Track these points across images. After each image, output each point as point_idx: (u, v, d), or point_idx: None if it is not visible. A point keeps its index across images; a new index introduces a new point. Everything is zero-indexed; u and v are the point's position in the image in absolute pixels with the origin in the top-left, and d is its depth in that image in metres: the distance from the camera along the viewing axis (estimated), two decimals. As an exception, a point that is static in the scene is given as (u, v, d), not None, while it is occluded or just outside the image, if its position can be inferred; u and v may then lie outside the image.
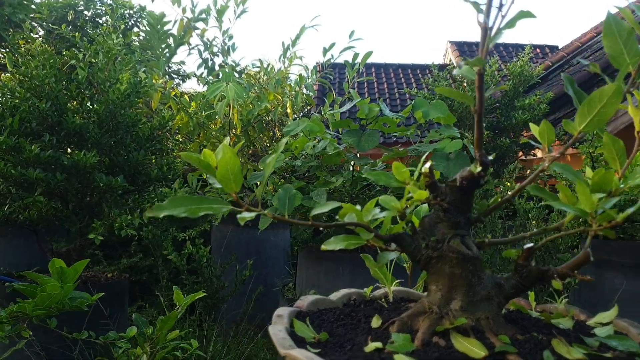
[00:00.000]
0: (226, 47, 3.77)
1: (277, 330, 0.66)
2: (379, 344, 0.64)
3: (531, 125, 0.78)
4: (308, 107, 4.33)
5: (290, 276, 3.80)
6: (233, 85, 3.11)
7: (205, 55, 3.77)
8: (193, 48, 3.85)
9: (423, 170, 0.72)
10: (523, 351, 0.62)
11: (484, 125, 4.07)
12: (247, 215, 0.73)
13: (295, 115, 3.75)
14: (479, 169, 0.68)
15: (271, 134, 4.42)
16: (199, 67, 3.76)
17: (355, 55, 3.34)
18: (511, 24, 0.67)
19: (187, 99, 3.68)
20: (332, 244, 0.84)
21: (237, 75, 3.59)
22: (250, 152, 4.39)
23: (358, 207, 0.72)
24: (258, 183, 4.02)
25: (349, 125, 2.66)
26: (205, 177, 4.07)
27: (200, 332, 2.78)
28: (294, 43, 3.70)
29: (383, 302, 0.90)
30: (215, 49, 3.74)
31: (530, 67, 4.01)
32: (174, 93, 3.69)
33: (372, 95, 8.06)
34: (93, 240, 2.79)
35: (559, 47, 7.73)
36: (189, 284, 2.70)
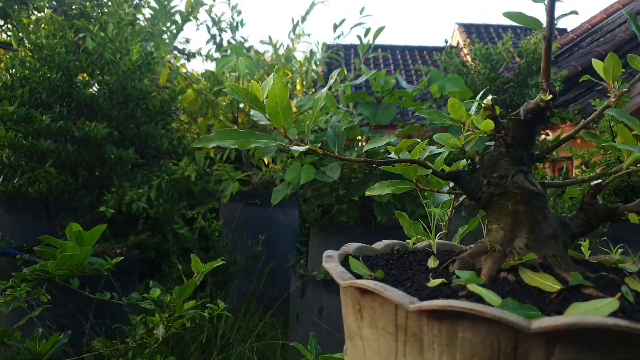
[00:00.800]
0: (234, 23, 3.71)
1: (334, 265, 0.63)
2: (443, 280, 0.61)
3: (594, 60, 0.73)
4: (315, 85, 4.28)
5: (300, 254, 3.77)
6: (244, 59, 3.05)
7: (214, 31, 3.71)
8: (201, 24, 3.79)
9: (485, 102, 0.68)
10: (599, 287, 0.59)
11: (499, 103, 4.02)
12: (298, 148, 0.68)
13: (305, 92, 3.70)
14: (549, 97, 0.64)
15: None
16: (207, 42, 3.71)
17: (367, 30, 3.28)
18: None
19: (196, 74, 3.63)
20: (378, 189, 0.80)
21: (245, 51, 3.53)
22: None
23: (418, 140, 0.68)
24: (265, 160, 3.98)
25: (363, 98, 2.62)
26: (212, 156, 4.03)
27: (211, 308, 2.76)
28: (303, 19, 3.64)
29: (432, 252, 0.86)
30: (223, 25, 3.68)
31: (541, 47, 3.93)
32: (182, 69, 3.64)
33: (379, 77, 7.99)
34: (103, 216, 2.76)
35: (568, 30, 7.66)
36: (200, 259, 2.67)
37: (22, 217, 3.45)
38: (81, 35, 2.90)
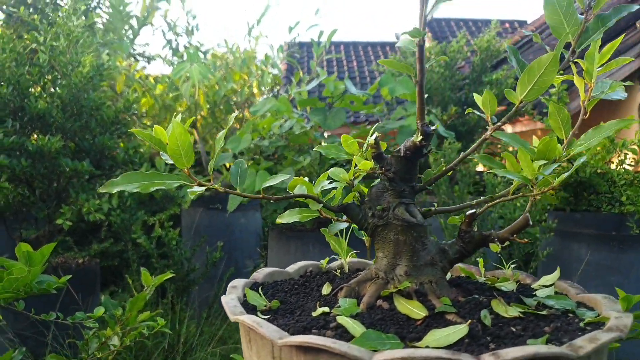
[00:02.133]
0: (190, 28, 3.72)
1: (229, 299, 0.68)
2: (326, 309, 0.67)
3: (475, 95, 0.80)
4: (276, 87, 4.32)
5: (262, 258, 3.82)
6: (197, 65, 3.07)
7: (169, 35, 3.71)
8: (157, 29, 3.78)
9: (369, 141, 0.74)
10: (462, 311, 0.65)
11: (454, 101, 4.12)
12: (198, 189, 0.74)
13: (265, 96, 3.74)
14: (420, 138, 0.70)
15: (241, 115, 4.39)
16: (163, 47, 3.70)
17: (321, 33, 3.33)
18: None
19: (153, 81, 3.63)
20: (287, 217, 0.86)
21: (202, 55, 3.54)
22: (214, 133, 4.36)
23: (306, 179, 0.74)
24: (227, 165, 4.00)
25: (315, 104, 2.67)
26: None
27: (173, 314, 2.79)
28: (258, 21, 3.67)
29: (337, 272, 0.92)
30: (179, 30, 3.68)
31: (497, 42, 4.06)
32: (138, 75, 3.63)
33: (342, 74, 8.06)
34: (62, 226, 2.77)
35: (528, 22, 7.82)
36: (159, 268, 2.70)
37: (-21, 230, 3.42)
38: (33, 46, 2.88)
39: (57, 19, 2.65)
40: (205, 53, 3.60)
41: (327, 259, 0.97)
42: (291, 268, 0.93)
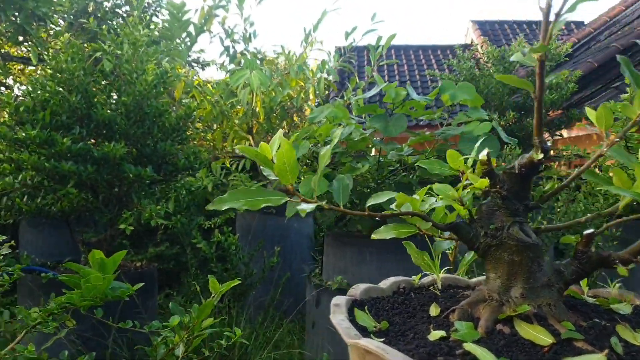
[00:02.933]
0: (247, 34, 3.76)
1: (340, 320, 0.67)
2: (442, 333, 0.64)
3: (587, 109, 0.76)
4: (328, 93, 4.31)
5: (315, 262, 3.82)
6: (257, 72, 3.10)
7: (227, 42, 3.77)
8: (214, 36, 3.85)
9: (481, 157, 0.72)
10: (589, 337, 0.62)
11: (512, 105, 4.01)
12: (306, 207, 0.73)
13: (318, 101, 3.74)
14: (541, 156, 0.67)
15: (290, 120, 4.42)
16: (220, 54, 3.76)
17: (379, 39, 3.31)
18: (572, 7, 0.65)
19: (210, 87, 3.69)
20: (383, 233, 0.84)
21: (258, 62, 3.58)
22: (269, 139, 4.39)
23: (416, 196, 0.72)
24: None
25: (374, 111, 2.64)
26: (228, 166, 4.09)
27: (230, 318, 2.82)
28: (315, 27, 3.68)
29: (433, 289, 0.90)
30: (236, 36, 3.73)
31: (557, 45, 3.94)
32: (197, 82, 3.70)
33: (392, 78, 7.99)
34: (122, 230, 2.84)
35: (585, 23, 7.56)
36: (217, 272, 2.73)
37: (45, 233, 3.55)
38: (98, 54, 2.98)
39: (124, 28, 2.72)
40: (261, 60, 3.64)
41: (420, 275, 0.95)
42: (384, 284, 0.91)
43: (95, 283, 1.44)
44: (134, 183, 2.74)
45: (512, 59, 0.72)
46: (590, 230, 0.70)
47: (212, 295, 1.84)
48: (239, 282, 1.82)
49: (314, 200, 0.76)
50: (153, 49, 2.59)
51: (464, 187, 0.73)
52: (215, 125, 4.26)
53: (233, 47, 3.75)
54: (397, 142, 2.86)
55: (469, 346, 0.58)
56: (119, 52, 2.80)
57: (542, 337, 0.61)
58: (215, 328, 1.81)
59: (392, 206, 0.77)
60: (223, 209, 0.75)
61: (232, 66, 3.85)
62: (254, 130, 3.91)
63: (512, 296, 0.69)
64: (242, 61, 3.80)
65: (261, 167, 0.82)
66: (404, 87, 2.65)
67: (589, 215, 0.80)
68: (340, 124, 2.94)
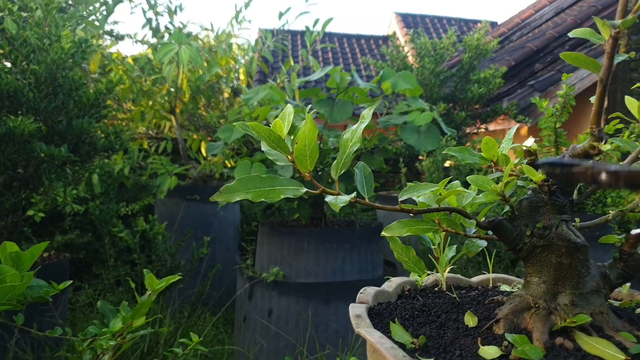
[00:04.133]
0: (172, 7, 3.48)
1: (379, 338, 0.56)
2: (496, 349, 0.55)
3: (627, 98, 0.70)
4: (248, 77, 4.13)
5: (244, 254, 3.66)
6: (186, 47, 2.87)
7: (150, 14, 3.46)
8: (136, 6, 3.52)
9: (529, 146, 0.63)
10: (656, 352, 0.56)
11: (442, 97, 4.06)
12: (342, 199, 0.60)
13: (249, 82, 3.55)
14: (603, 146, 0.60)
15: (217, 101, 4.19)
16: (142, 27, 3.44)
17: (316, 21, 3.19)
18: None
19: (131, 61, 3.38)
20: (397, 230, 0.73)
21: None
22: (194, 120, 4.14)
23: (461, 188, 0.62)
24: (203, 152, 3.80)
25: (317, 95, 2.53)
26: (147, 148, 3.80)
27: (153, 313, 2.60)
28: (247, 5, 3.48)
29: (438, 290, 0.81)
30: (160, 9, 3.44)
31: (486, 41, 4.06)
32: (115, 55, 3.37)
33: (328, 65, 7.90)
34: (27, 217, 2.52)
35: (498, 23, 7.94)
36: (141, 263, 2.50)
37: None
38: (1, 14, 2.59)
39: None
40: (187, 36, 3.37)
41: (425, 275, 0.86)
42: (388, 287, 0.81)
43: (13, 283, 1.21)
44: (42, 163, 2.42)
45: (572, 35, 0.63)
46: (639, 230, 0.64)
47: (148, 292, 1.65)
48: (179, 277, 1.64)
49: (336, 192, 0.63)
50: (70, 13, 2.29)
51: (507, 181, 0.64)
52: (129, 103, 3.93)
53: (156, 20, 3.45)
54: (339, 130, 2.77)
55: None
56: (24, 14, 2.45)
57: (611, 352, 0.54)
58: (146, 329, 1.63)
59: (421, 199, 0.67)
60: (233, 200, 0.61)
61: (154, 40, 3.55)
62: (177, 110, 3.65)
63: (560, 303, 0.61)
64: (166, 36, 3.52)
65: (266, 149, 0.68)
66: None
67: (611, 212, 0.75)
68: (277, 107, 2.80)
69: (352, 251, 2.43)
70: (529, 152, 0.64)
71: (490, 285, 0.87)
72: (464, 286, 0.87)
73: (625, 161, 0.68)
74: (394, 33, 8.52)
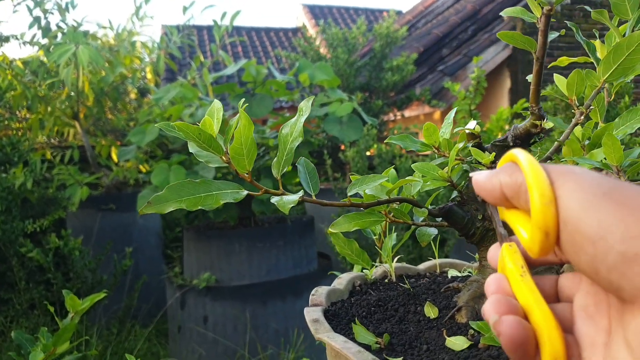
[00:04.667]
0: (63, 4, 3.22)
1: (343, 342, 0.52)
2: (464, 339, 0.54)
3: (556, 76, 0.71)
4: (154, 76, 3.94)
5: (168, 261, 3.51)
6: (84, 47, 2.67)
7: (37, 12, 3.17)
8: (19, 4, 3.21)
9: (471, 128, 0.62)
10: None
11: (358, 86, 4.10)
12: (290, 199, 0.55)
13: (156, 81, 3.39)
14: (538, 122, 0.60)
15: (124, 103, 3.97)
16: (30, 26, 3.16)
17: (224, 14, 3.09)
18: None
19: (20, 65, 3.10)
20: (343, 226, 0.70)
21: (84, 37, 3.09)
22: (100, 125, 3.89)
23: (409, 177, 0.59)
24: (114, 158, 3.58)
25: (233, 90, 2.45)
26: (50, 158, 3.53)
27: (77, 335, 2.42)
28: (147, 0, 3.30)
29: (388, 282, 0.79)
30: (48, 5, 3.17)
31: (396, 29, 4.14)
32: (1, 58, 3.08)
33: (238, 59, 7.72)
34: None
35: (403, 12, 8.16)
36: (58, 282, 2.31)
37: None
38: None
39: None
40: (85, 34, 3.14)
41: (373, 268, 0.84)
42: (339, 284, 0.77)
43: None
44: None
45: (504, 14, 0.63)
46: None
47: (70, 314, 1.52)
48: (105, 294, 1.52)
49: (280, 191, 0.59)
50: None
51: (453, 165, 0.63)
52: (23, 111, 3.62)
53: (46, 18, 3.17)
54: (260, 125, 2.71)
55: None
56: None
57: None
58: (73, 354, 1.50)
59: (368, 192, 0.64)
60: (166, 211, 0.54)
61: (45, 41, 3.27)
62: (81, 115, 3.41)
63: (517, 285, 0.61)
64: (60, 35, 3.25)
65: (195, 150, 0.62)
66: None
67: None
68: (191, 105, 2.69)
69: (286, 247, 2.39)
70: (472, 135, 0.63)
71: (438, 271, 0.87)
72: (412, 275, 0.86)
73: (561, 137, 0.69)
74: (304, 25, 8.51)
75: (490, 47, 4.99)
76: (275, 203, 0.56)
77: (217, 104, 0.62)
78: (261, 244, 2.37)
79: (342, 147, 3.38)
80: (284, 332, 2.29)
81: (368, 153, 2.84)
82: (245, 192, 0.58)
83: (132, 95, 4.45)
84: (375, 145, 2.82)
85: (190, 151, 0.62)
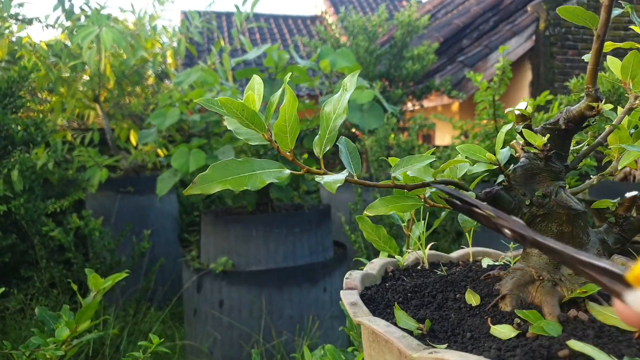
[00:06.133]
0: (88, -14, 3.22)
1: (385, 327, 0.50)
2: (510, 328, 0.52)
3: (609, 58, 0.68)
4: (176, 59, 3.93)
5: (187, 246, 3.52)
6: (108, 30, 2.66)
7: (62, -5, 3.18)
8: (45, -15, 3.22)
9: (522, 109, 0.59)
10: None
11: (377, 75, 4.06)
12: (337, 178, 0.53)
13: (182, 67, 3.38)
14: (594, 104, 0.57)
15: (144, 87, 3.97)
16: (54, 9, 3.17)
17: (245, 0, 3.07)
18: None
19: (45, 47, 3.11)
20: (379, 209, 0.68)
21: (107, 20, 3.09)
22: (121, 105, 3.90)
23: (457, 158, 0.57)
24: (133, 141, 3.59)
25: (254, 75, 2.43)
26: (71, 140, 3.54)
27: (96, 315, 2.44)
28: (170, -16, 3.29)
29: (421, 269, 0.77)
30: (73, -12, 3.17)
31: (417, 17, 4.08)
32: (25, 40, 3.09)
33: (256, 45, 7.70)
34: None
35: (423, 1, 8.07)
36: (78, 262, 2.32)
37: None
38: None
39: None
40: (108, 17, 3.14)
41: (406, 254, 0.82)
42: (371, 269, 0.76)
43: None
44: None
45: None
46: (634, 192, 0.63)
47: (93, 293, 1.53)
48: (127, 274, 1.53)
49: (322, 171, 0.57)
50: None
51: (500, 149, 0.60)
52: (44, 93, 3.65)
53: (69, 0, 3.18)
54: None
55: (576, 345, 0.46)
56: None
57: (627, 320, 0.51)
58: (93, 332, 1.50)
59: (409, 173, 0.62)
60: (212, 192, 0.53)
61: (69, 24, 3.28)
62: (102, 98, 3.42)
63: (564, 274, 0.59)
64: (83, 18, 3.26)
65: (235, 127, 0.60)
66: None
67: (596, 176, 0.73)
68: (213, 90, 2.68)
69: (302, 234, 2.38)
70: (522, 117, 0.60)
71: (471, 259, 0.84)
72: (445, 262, 0.84)
73: (614, 121, 0.66)
74: (325, 12, 8.47)
75: (512, 39, 4.91)
76: (322, 182, 0.54)
77: (257, 78, 0.60)
78: (278, 230, 2.36)
79: (360, 135, 3.35)
80: (299, 318, 2.28)
81: (391, 139, 2.80)
82: (288, 172, 0.56)
83: (151, 80, 4.46)
84: (393, 135, 2.78)
85: (228, 128, 0.61)
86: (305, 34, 8.00)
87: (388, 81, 4.10)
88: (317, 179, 0.55)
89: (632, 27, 0.73)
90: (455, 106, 4.80)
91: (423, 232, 0.81)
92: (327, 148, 0.58)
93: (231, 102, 0.54)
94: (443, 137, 5.54)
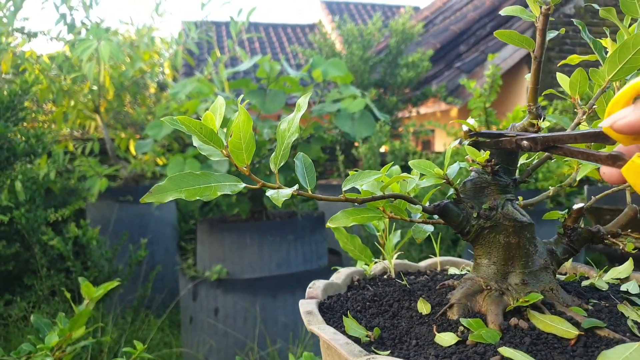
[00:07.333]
0: (87, 1, 3.28)
1: (332, 335, 0.53)
2: (453, 335, 0.55)
3: (559, 75, 0.71)
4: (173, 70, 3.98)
5: (182, 252, 3.56)
6: (106, 43, 2.72)
7: (63, 9, 3.24)
8: (46, 0, 3.28)
9: (468, 125, 0.62)
10: (609, 326, 0.56)
11: (372, 83, 4.09)
12: (284, 193, 0.57)
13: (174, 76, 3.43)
14: (537, 121, 0.60)
15: (143, 97, 4.02)
16: (56, 23, 3.23)
17: (240, 10, 3.12)
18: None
19: (47, 60, 3.16)
20: (341, 221, 0.71)
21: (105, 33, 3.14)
22: (120, 118, 3.95)
23: (404, 173, 0.60)
24: (132, 151, 3.64)
25: (247, 86, 2.47)
26: (72, 150, 3.60)
27: (93, 322, 2.48)
28: (168, -4, 3.34)
29: (387, 278, 0.80)
30: (74, 2, 3.23)
31: (411, 25, 4.11)
32: (28, 54, 3.15)
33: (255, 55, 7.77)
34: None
35: (421, 8, 8.11)
36: (76, 270, 2.36)
37: None
38: None
39: None
40: (107, 30, 3.19)
41: (372, 263, 0.85)
42: (337, 278, 0.79)
43: None
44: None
45: (503, 13, 0.63)
46: (580, 205, 0.65)
47: (86, 301, 1.57)
48: (118, 282, 1.56)
49: (277, 185, 0.60)
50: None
51: (449, 164, 0.63)
52: (49, 104, 3.71)
53: (71, 14, 3.24)
54: (274, 120, 2.73)
55: (506, 351, 0.49)
56: None
57: (564, 328, 0.54)
58: (87, 340, 1.54)
59: (364, 187, 0.65)
60: (166, 200, 0.57)
61: (70, 37, 3.34)
62: (102, 109, 3.47)
63: (511, 283, 0.62)
64: (84, 31, 3.32)
65: (198, 144, 0.64)
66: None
67: (550, 189, 0.76)
68: (207, 100, 2.72)
69: (296, 242, 2.41)
70: (470, 132, 0.63)
71: (439, 269, 0.87)
72: (412, 272, 0.87)
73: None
74: (320, 21, 8.53)
75: (509, 45, 4.93)
76: (270, 197, 0.57)
77: (220, 100, 0.64)
78: (272, 237, 2.39)
79: (356, 143, 3.38)
80: (293, 326, 2.31)
81: (382, 149, 2.83)
82: (243, 185, 0.59)
83: (152, 90, 4.51)
84: (387, 142, 2.81)
85: (194, 144, 0.64)
86: (304, 42, 8.05)
87: (383, 89, 4.13)
88: (268, 193, 0.59)
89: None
90: (454, 112, 4.83)
91: (391, 241, 0.84)
92: (282, 163, 0.61)
93: (190, 121, 0.58)
94: (443, 143, 5.56)
